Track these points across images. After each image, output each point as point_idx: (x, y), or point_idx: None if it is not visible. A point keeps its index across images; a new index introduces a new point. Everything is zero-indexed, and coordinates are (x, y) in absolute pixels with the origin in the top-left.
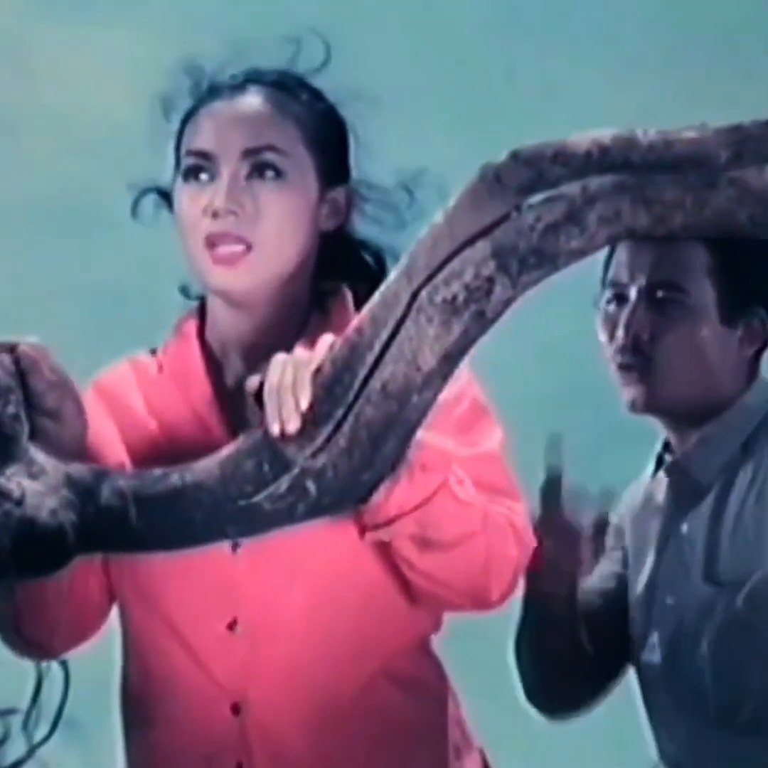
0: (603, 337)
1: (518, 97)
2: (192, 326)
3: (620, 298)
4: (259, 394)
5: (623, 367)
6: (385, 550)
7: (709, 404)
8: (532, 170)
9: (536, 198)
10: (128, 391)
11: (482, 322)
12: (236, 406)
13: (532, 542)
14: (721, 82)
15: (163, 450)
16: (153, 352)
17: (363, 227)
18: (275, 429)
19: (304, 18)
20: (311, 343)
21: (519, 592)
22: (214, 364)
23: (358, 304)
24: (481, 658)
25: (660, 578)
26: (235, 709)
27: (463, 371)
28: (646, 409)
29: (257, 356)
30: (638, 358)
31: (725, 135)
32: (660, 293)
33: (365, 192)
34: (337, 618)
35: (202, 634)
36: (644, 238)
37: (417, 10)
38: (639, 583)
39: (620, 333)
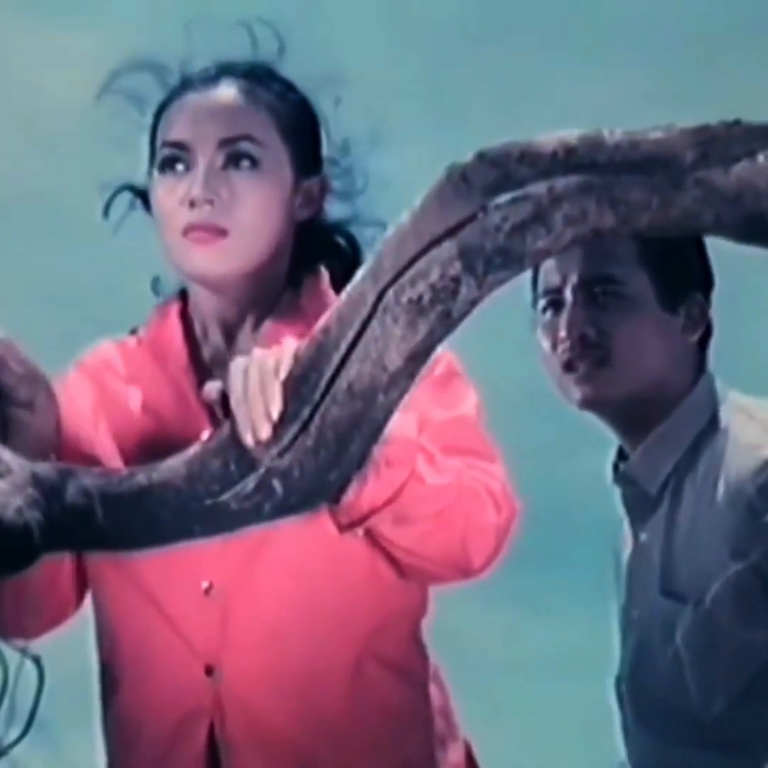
0: (546, 346)
1: (485, 95)
2: (174, 307)
3: (556, 304)
4: (223, 400)
5: (572, 366)
6: (367, 530)
7: (660, 397)
8: (499, 170)
9: (502, 198)
10: (110, 362)
11: (448, 323)
12: (213, 377)
13: (512, 505)
14: (687, 82)
15: (143, 419)
16: (133, 332)
17: (334, 207)
18: (248, 439)
19: (271, 12)
20: (281, 322)
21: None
22: (192, 339)
23: (336, 286)
24: (467, 651)
25: (628, 590)
26: (209, 670)
27: None
28: (599, 403)
29: (236, 332)
30: (589, 354)
31: (691, 135)
32: (596, 288)
33: (330, 181)
34: (316, 591)
35: (178, 598)
36: (611, 238)
37: (386, 8)
38: (621, 595)
39: (563, 334)
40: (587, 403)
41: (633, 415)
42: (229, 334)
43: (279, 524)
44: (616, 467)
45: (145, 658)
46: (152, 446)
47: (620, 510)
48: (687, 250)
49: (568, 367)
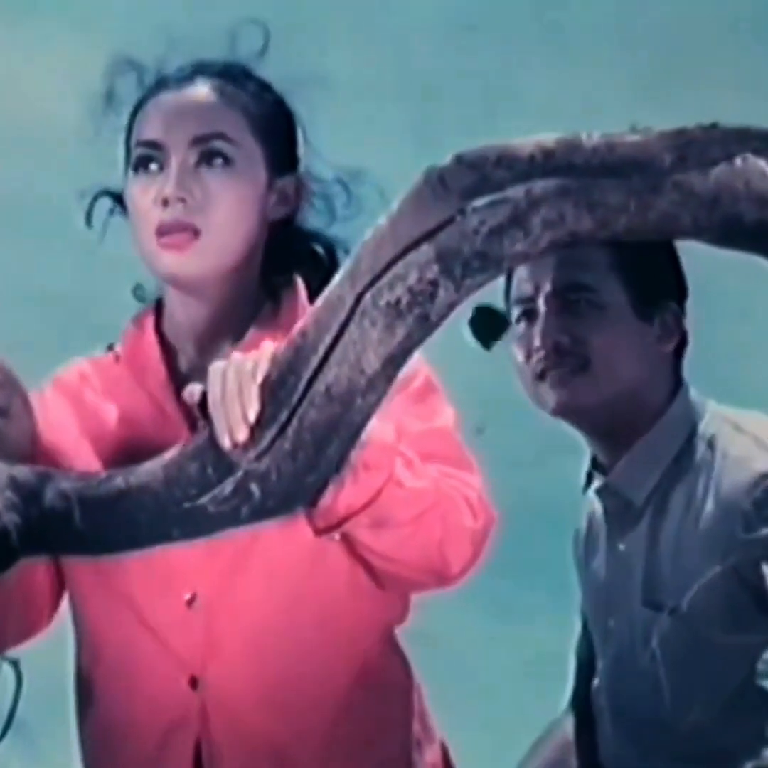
0: (519, 357)
1: (463, 98)
2: (149, 319)
3: (529, 314)
4: (203, 404)
5: (546, 374)
6: (345, 538)
7: (634, 408)
8: (476, 173)
9: (480, 201)
10: (86, 380)
11: (426, 326)
12: None
13: (489, 512)
14: (665, 85)
15: (121, 436)
16: (109, 348)
17: (311, 218)
18: (226, 442)
19: (248, 12)
20: (262, 334)
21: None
22: (169, 352)
23: (312, 296)
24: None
25: (603, 599)
26: (193, 682)
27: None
28: (574, 410)
29: (209, 343)
30: (564, 363)
31: (669, 139)
32: (570, 296)
33: (309, 182)
34: (299, 600)
35: (162, 609)
36: (588, 241)
37: (364, 10)
38: (587, 604)
39: (538, 343)
40: (562, 410)
41: (608, 424)
42: (203, 345)
43: (263, 531)
44: (589, 476)
45: (127, 670)
46: (134, 462)
47: (584, 519)
48: (659, 259)
49: (542, 376)
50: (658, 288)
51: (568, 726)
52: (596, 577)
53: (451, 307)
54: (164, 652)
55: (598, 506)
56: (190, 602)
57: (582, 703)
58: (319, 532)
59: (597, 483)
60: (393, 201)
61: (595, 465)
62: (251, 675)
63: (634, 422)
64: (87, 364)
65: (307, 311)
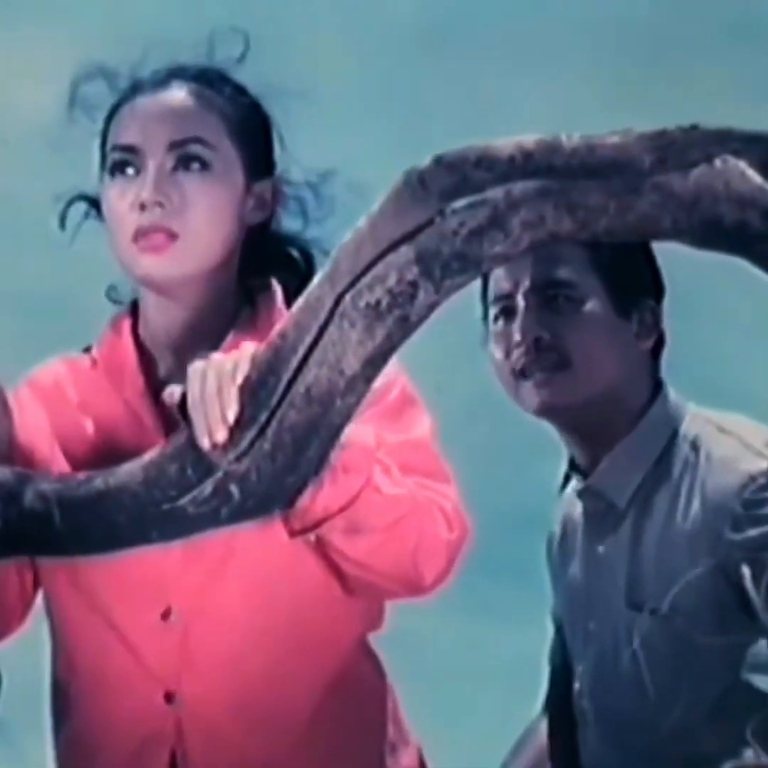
0: (498, 355)
1: (443, 100)
2: (126, 323)
3: (508, 312)
4: (183, 405)
5: (527, 372)
6: (319, 544)
7: (614, 407)
8: (456, 175)
9: (460, 203)
10: (62, 385)
11: (406, 327)
12: None
13: (464, 525)
14: (645, 87)
15: (97, 443)
16: (86, 349)
17: (286, 221)
18: (205, 443)
19: (227, 15)
20: (240, 338)
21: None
22: (146, 358)
23: (289, 300)
24: (420, 658)
25: (582, 602)
26: (168, 697)
27: (392, 363)
28: (556, 409)
29: (186, 349)
30: (544, 359)
31: (649, 140)
32: (549, 291)
33: (283, 186)
34: (274, 612)
35: (137, 622)
36: (568, 242)
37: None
38: (562, 608)
39: (518, 339)
40: (544, 409)
41: (589, 424)
42: (180, 351)
43: (238, 543)
44: (565, 479)
45: (103, 681)
46: (106, 467)
47: (558, 524)
48: (636, 257)
49: (523, 373)
50: (637, 285)
51: (544, 730)
52: (574, 581)
53: (430, 308)
54: (139, 667)
55: (574, 509)
56: (164, 615)
57: (556, 707)
58: (294, 533)
59: (576, 485)
60: (371, 201)
61: (573, 466)
62: (227, 688)
63: (615, 423)
64: (63, 365)
65: (283, 315)
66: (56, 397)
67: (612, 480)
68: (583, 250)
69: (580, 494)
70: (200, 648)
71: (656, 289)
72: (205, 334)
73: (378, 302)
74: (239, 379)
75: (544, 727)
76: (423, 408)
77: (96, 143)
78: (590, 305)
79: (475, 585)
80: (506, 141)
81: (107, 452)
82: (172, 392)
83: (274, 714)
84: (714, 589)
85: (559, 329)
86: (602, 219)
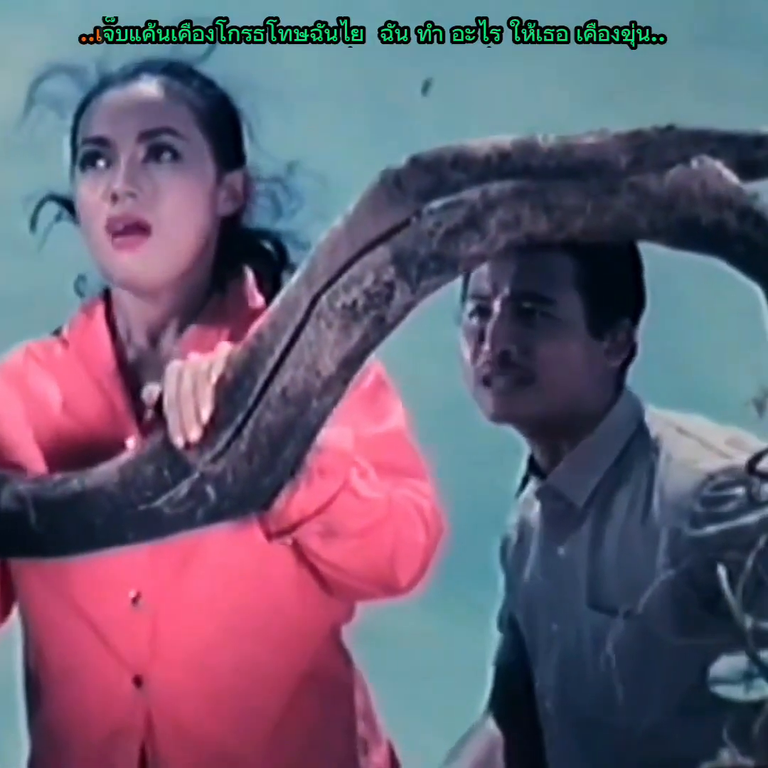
0: (466, 352)
1: (421, 100)
2: (99, 307)
3: (483, 311)
4: (159, 405)
5: (489, 381)
6: (294, 542)
7: (574, 417)
8: (432, 175)
9: (436, 203)
10: (32, 369)
11: (382, 328)
12: (138, 380)
13: (441, 524)
14: (622, 87)
15: (66, 424)
16: (56, 332)
17: (258, 215)
18: (179, 441)
19: (196, 9)
20: (205, 327)
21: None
22: (117, 341)
23: (262, 289)
24: (394, 657)
25: (543, 604)
26: (137, 681)
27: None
28: (512, 419)
29: (161, 336)
30: (508, 373)
31: (625, 140)
32: (526, 304)
33: (253, 178)
34: (245, 602)
35: (105, 608)
36: (544, 243)
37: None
38: (518, 609)
39: (486, 347)
40: (500, 418)
41: (547, 429)
42: (154, 337)
43: (210, 532)
44: (523, 481)
45: (72, 669)
46: (77, 450)
47: (513, 527)
48: (623, 273)
49: (486, 381)
50: (618, 305)
51: (492, 726)
52: (533, 582)
53: (407, 308)
54: (108, 651)
55: (530, 511)
56: (134, 600)
57: (506, 707)
58: (271, 536)
59: (535, 485)
60: (340, 192)
61: (532, 467)
62: (196, 677)
63: (575, 426)
64: (33, 345)
65: (254, 298)
66: (25, 376)
67: (570, 479)
68: (571, 266)
69: (539, 494)
70: (169, 635)
71: (637, 305)
72: (179, 326)
73: (354, 303)
74: (214, 379)
75: (490, 723)
76: (396, 395)
77: (66, 140)
78: (565, 324)
79: (448, 584)
80: (482, 141)
81: (75, 432)
82: (150, 392)
83: (244, 705)
84: (681, 591)
85: (528, 344)
86: (579, 219)
